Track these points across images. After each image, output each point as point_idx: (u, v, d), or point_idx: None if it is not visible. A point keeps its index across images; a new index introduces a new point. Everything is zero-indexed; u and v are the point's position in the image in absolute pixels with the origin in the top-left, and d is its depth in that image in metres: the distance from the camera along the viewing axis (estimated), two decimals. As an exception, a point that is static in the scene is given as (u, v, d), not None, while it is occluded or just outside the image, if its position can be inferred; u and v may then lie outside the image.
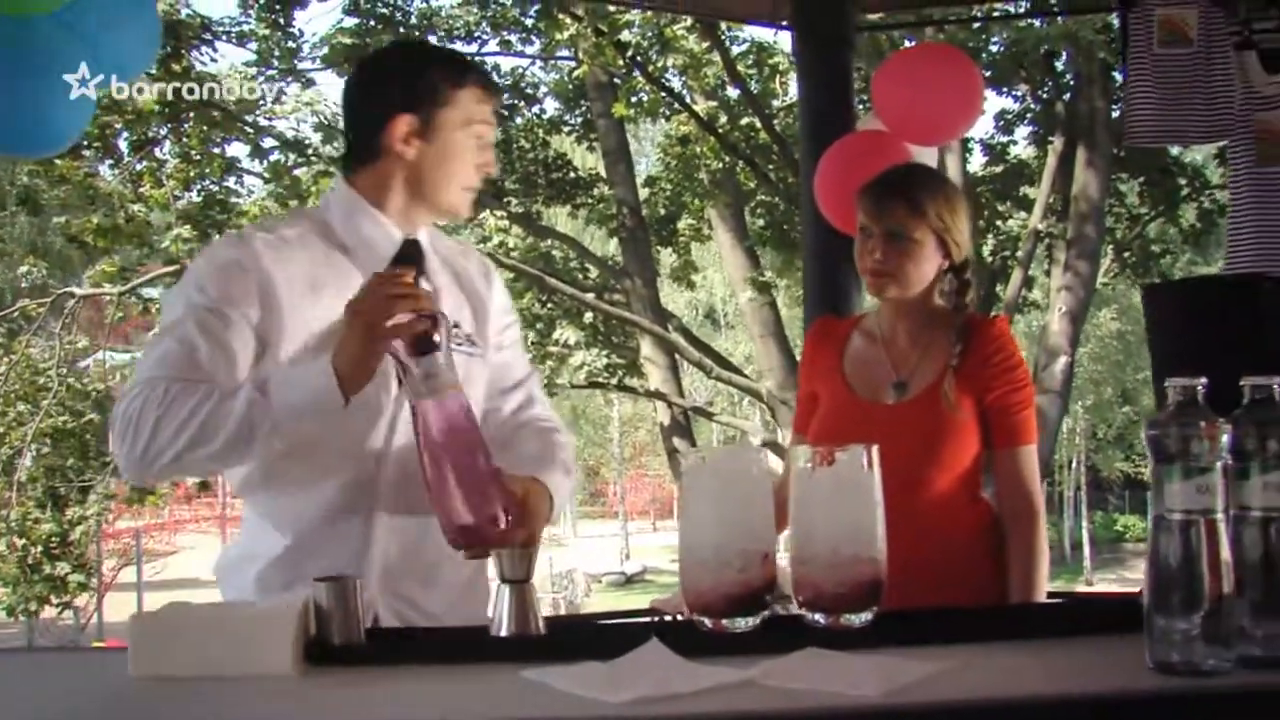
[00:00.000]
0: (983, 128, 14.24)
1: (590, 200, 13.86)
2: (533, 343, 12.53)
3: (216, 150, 12.04)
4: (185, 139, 11.75)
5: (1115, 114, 11.47)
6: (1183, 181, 13.94)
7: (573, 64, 12.54)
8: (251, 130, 12.01)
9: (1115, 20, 4.45)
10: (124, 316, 12.60)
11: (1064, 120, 12.81)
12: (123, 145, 11.78)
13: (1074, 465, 32.48)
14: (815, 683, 1.38)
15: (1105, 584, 27.23)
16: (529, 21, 12.78)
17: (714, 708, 1.34)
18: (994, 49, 12.73)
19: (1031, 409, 2.54)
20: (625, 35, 11.72)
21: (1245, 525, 1.42)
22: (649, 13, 10.85)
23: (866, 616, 1.63)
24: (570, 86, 13.70)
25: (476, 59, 9.54)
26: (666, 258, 14.76)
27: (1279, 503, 1.42)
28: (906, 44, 9.67)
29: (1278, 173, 3.86)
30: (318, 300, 2.00)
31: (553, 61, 13.54)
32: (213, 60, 11.59)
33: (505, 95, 12.38)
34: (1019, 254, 13.13)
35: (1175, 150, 13.41)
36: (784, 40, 13.21)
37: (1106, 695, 1.36)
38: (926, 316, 2.53)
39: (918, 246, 2.47)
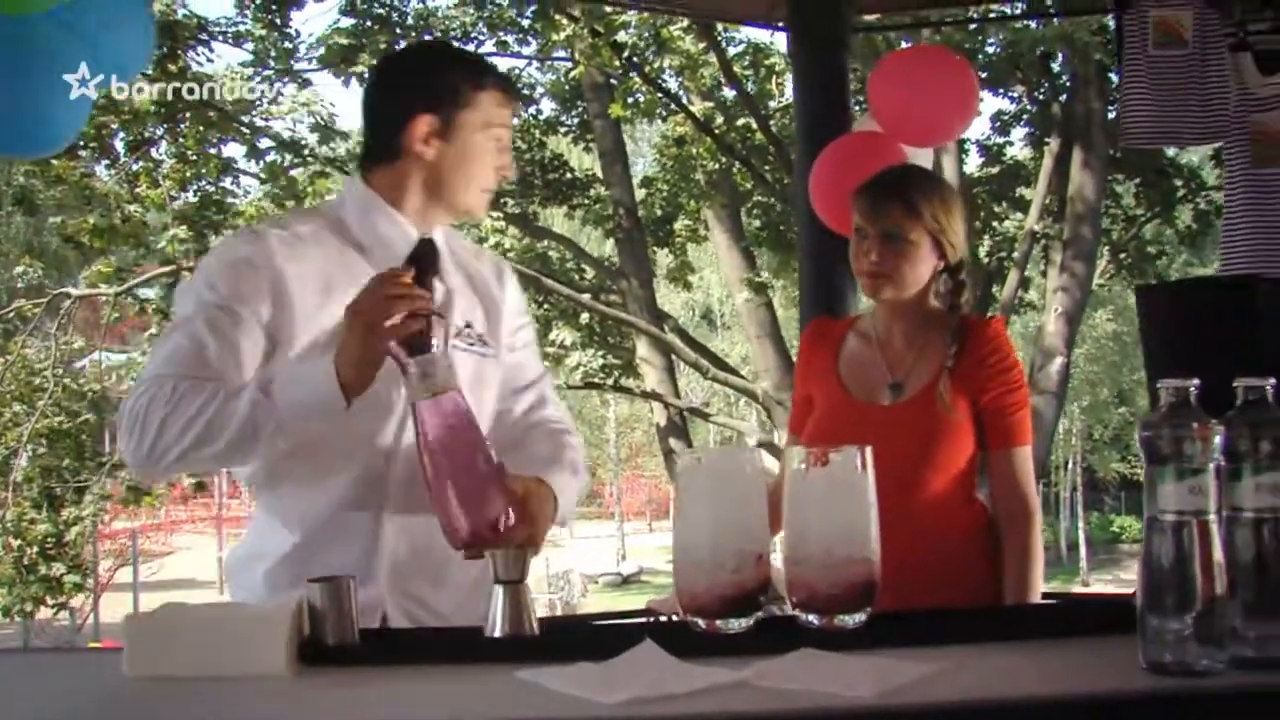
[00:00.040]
0: (979, 129, 14.24)
1: (586, 201, 13.86)
2: (529, 343, 12.49)
3: (213, 151, 12.02)
4: (181, 139, 11.74)
5: (1111, 115, 11.47)
6: (1179, 183, 13.95)
7: (569, 65, 12.54)
8: (248, 131, 12.01)
9: (1111, 22, 4.45)
10: (120, 317, 12.59)
11: (1060, 121, 12.82)
12: (119, 145, 11.76)
13: (1070, 466, 32.52)
14: (809, 683, 1.38)
15: (1101, 585, 27.26)
16: (525, 22, 12.76)
17: (708, 708, 1.34)
18: (990, 50, 12.74)
19: (1027, 410, 2.54)
20: (622, 36, 11.72)
21: (1238, 526, 1.43)
22: (645, 13, 10.85)
23: (860, 617, 1.63)
24: (566, 87, 13.70)
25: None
26: (663, 258, 14.77)
27: (1271, 504, 1.42)
28: (903, 45, 9.67)
29: (1273, 174, 3.86)
30: (330, 298, 1.99)
31: (549, 62, 13.54)
32: (209, 60, 11.60)
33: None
34: (1015, 255, 13.14)
35: (1171, 151, 13.44)
36: (780, 41, 13.21)
37: (1100, 696, 1.37)
38: (922, 318, 2.54)
39: (913, 248, 2.47)
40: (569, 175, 13.95)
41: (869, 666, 1.44)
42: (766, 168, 12.87)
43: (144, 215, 11.72)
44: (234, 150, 12.44)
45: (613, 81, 12.45)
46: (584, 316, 13.13)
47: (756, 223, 13.87)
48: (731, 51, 12.66)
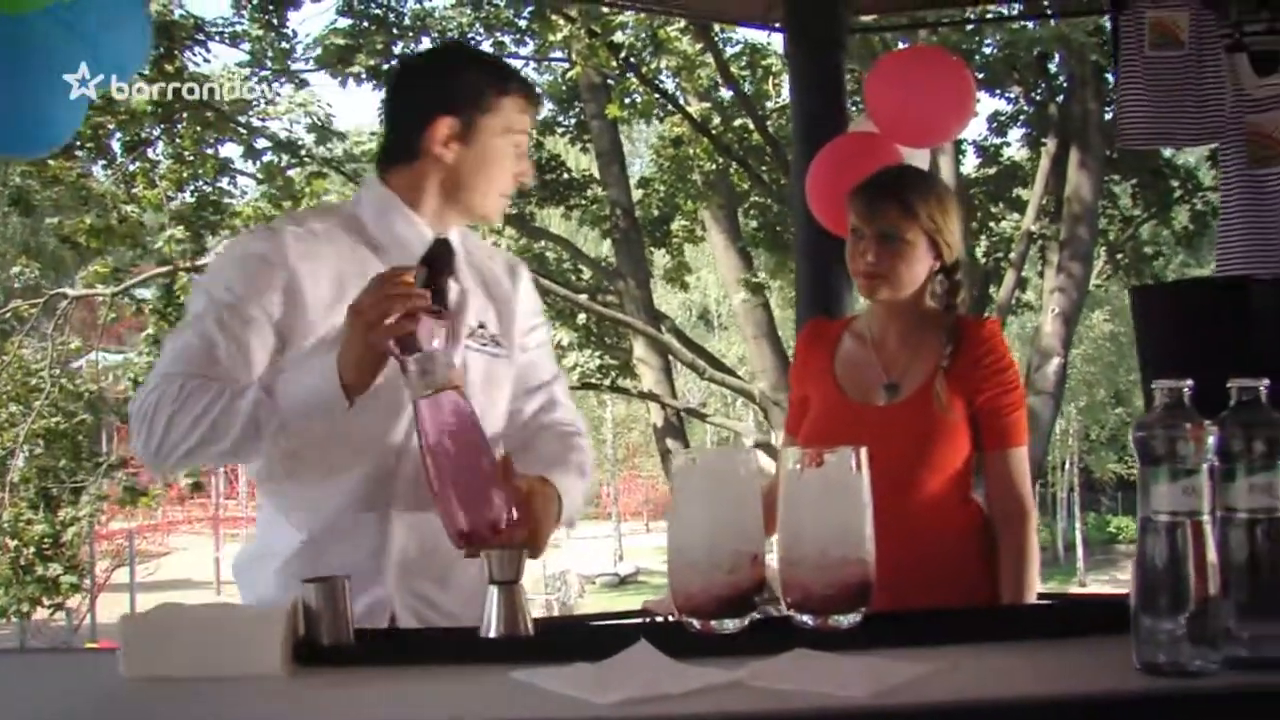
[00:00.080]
0: (976, 129, 14.31)
1: (584, 201, 13.87)
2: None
3: (210, 151, 12.02)
4: (178, 140, 11.74)
5: (1108, 116, 11.48)
6: (1175, 183, 13.97)
7: (566, 65, 12.55)
8: (245, 131, 12.00)
9: (1107, 23, 4.45)
10: (117, 317, 12.60)
11: (1057, 122, 12.83)
12: (116, 146, 11.77)
13: (1067, 467, 32.54)
14: (804, 684, 1.39)
15: (1098, 585, 27.26)
16: (523, 23, 12.77)
17: (702, 709, 1.34)
18: (987, 51, 12.75)
19: (1022, 411, 2.54)
20: (619, 36, 11.72)
21: (1231, 527, 1.43)
22: (642, 14, 10.85)
23: (855, 618, 1.63)
24: (564, 88, 13.70)
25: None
26: (660, 259, 14.77)
27: (1265, 504, 1.42)
28: (900, 46, 9.68)
29: (1268, 175, 3.86)
30: (343, 297, 1.98)
31: (546, 63, 13.54)
32: (206, 61, 11.59)
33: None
34: (1012, 255, 13.15)
35: (1168, 152, 13.44)
36: (777, 42, 13.20)
37: (1094, 696, 1.37)
38: (917, 318, 2.54)
39: (910, 248, 2.48)
40: (566, 176, 13.96)
41: (864, 667, 1.44)
42: (763, 168, 12.88)
43: (141, 215, 11.73)
44: (231, 150, 12.46)
45: (610, 82, 12.45)
46: (581, 317, 13.13)
47: (753, 223, 13.87)
48: (728, 52, 12.67)
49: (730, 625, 1.61)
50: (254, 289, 1.98)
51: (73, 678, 1.69)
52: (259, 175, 12.05)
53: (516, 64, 13.17)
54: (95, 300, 12.39)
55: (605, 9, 10.74)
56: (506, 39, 12.88)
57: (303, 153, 12.27)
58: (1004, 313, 12.78)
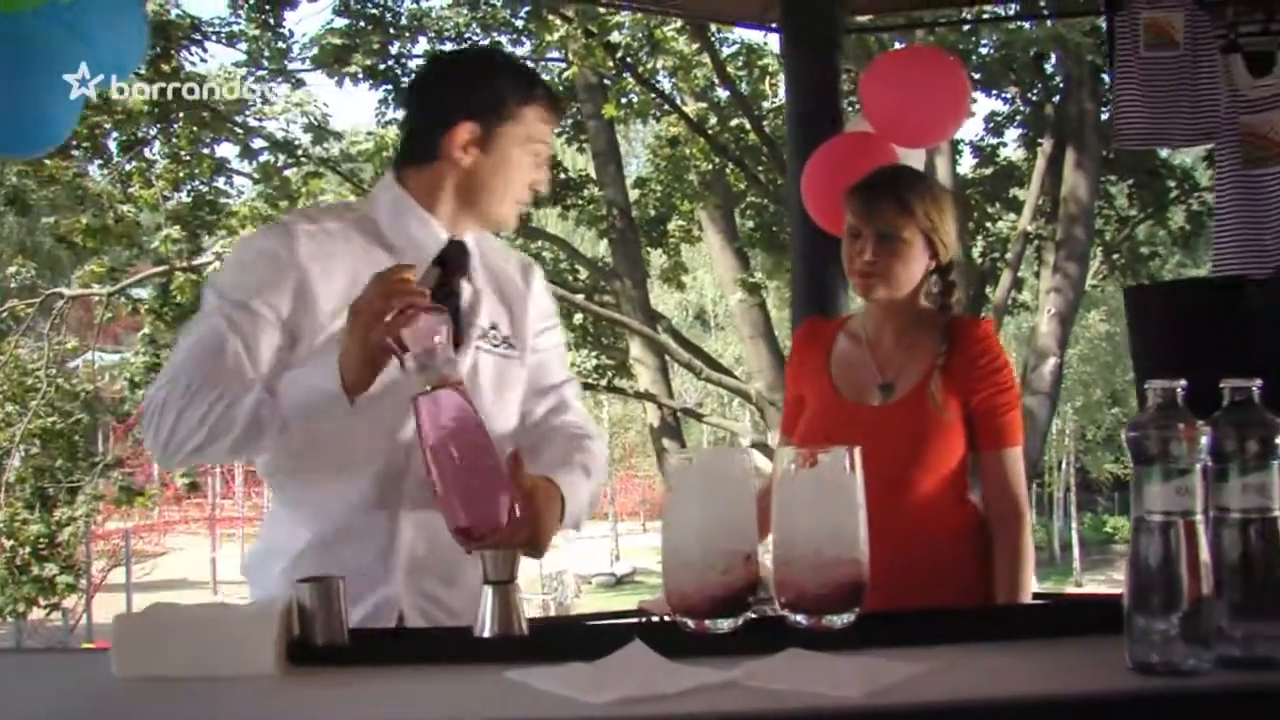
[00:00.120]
0: (972, 130, 14.34)
1: (580, 201, 13.86)
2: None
3: (206, 151, 12.01)
4: (174, 139, 11.73)
5: (1104, 116, 11.49)
6: (1171, 184, 13.98)
7: (563, 65, 12.54)
8: (241, 131, 11.99)
9: (1103, 23, 4.46)
10: (113, 317, 12.60)
11: (1053, 122, 12.83)
12: (112, 145, 11.75)
13: (1063, 467, 32.55)
14: (797, 683, 1.39)
15: (1094, 585, 27.28)
16: (519, 23, 12.77)
17: (696, 708, 1.34)
18: (983, 51, 12.75)
19: (1017, 411, 2.55)
20: (615, 36, 11.72)
21: (1224, 527, 1.43)
22: (639, 14, 10.85)
23: (848, 618, 1.63)
24: (560, 88, 13.68)
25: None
26: (656, 259, 14.75)
27: (1258, 504, 1.42)
28: (896, 46, 9.68)
29: (1263, 175, 3.87)
30: (353, 296, 1.99)
31: (543, 63, 13.52)
32: (202, 61, 11.58)
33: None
34: (1008, 256, 13.15)
35: (1164, 152, 13.45)
36: (773, 42, 13.19)
37: (1087, 696, 1.37)
38: (912, 317, 2.54)
39: (907, 246, 2.48)
40: (563, 176, 13.94)
41: (857, 667, 1.44)
42: (760, 168, 12.87)
43: (137, 215, 11.72)
44: (227, 150, 12.44)
45: (606, 82, 12.45)
46: (577, 317, 13.12)
47: (750, 223, 13.87)
48: (725, 52, 12.66)
49: (724, 625, 1.61)
50: (263, 287, 1.99)
51: (68, 677, 1.69)
52: (255, 175, 12.04)
53: (513, 64, 13.14)
54: (91, 300, 12.41)
55: (602, 9, 10.74)
56: (503, 39, 12.87)
57: (299, 152, 12.26)
58: (1000, 313, 12.78)
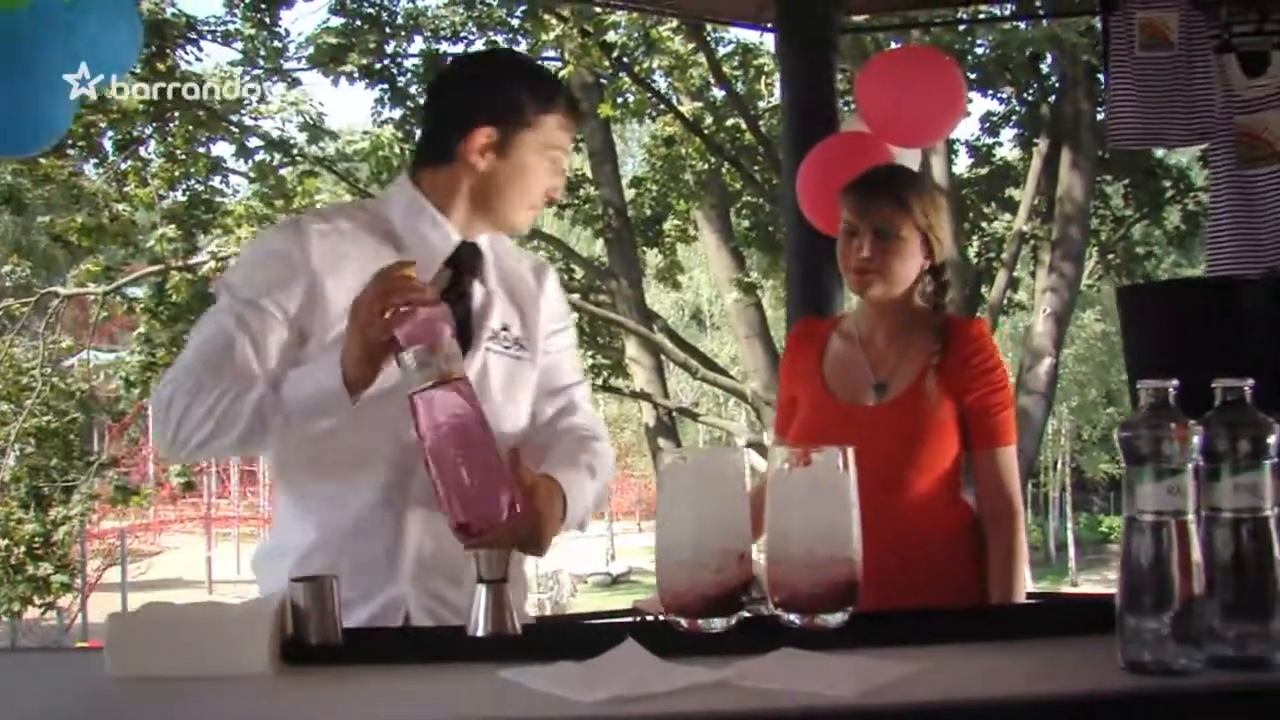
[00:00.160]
0: (968, 130, 14.31)
1: (576, 201, 13.84)
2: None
3: (201, 150, 12.00)
4: (170, 138, 11.72)
5: (1100, 116, 11.49)
6: (1167, 184, 13.99)
7: (559, 64, 12.53)
8: (237, 130, 11.98)
9: (1099, 23, 4.46)
10: (108, 316, 12.57)
11: (1049, 122, 12.85)
12: (107, 144, 11.75)
13: (1059, 466, 32.56)
14: (790, 683, 1.39)
15: (1090, 585, 27.30)
16: (515, 22, 12.76)
17: (689, 708, 1.34)
18: (979, 51, 12.77)
19: (1010, 410, 2.55)
20: (611, 36, 11.72)
21: (1216, 526, 1.43)
22: (635, 13, 10.85)
23: (841, 617, 1.63)
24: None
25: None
26: (652, 258, 14.76)
27: (1249, 504, 1.42)
28: (892, 45, 9.68)
29: (1257, 175, 3.88)
30: None
31: (538, 62, 13.54)
32: (197, 60, 11.57)
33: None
34: (1004, 255, 13.17)
35: (1160, 152, 13.46)
36: (769, 42, 13.20)
37: (1079, 695, 1.37)
38: (906, 317, 2.54)
39: (904, 244, 2.48)
40: (559, 175, 13.92)
41: (850, 666, 1.44)
42: (756, 168, 12.88)
43: (132, 214, 11.71)
44: (223, 149, 12.44)
45: (602, 81, 12.45)
46: (573, 316, 13.09)
47: (746, 223, 13.88)
48: (721, 52, 12.66)
49: (717, 624, 1.62)
50: (271, 284, 2.00)
51: (63, 677, 1.68)
52: (251, 174, 12.02)
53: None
54: (87, 299, 12.40)
55: (598, 8, 10.74)
56: (499, 38, 12.87)
57: (295, 152, 12.25)
58: (996, 313, 12.79)
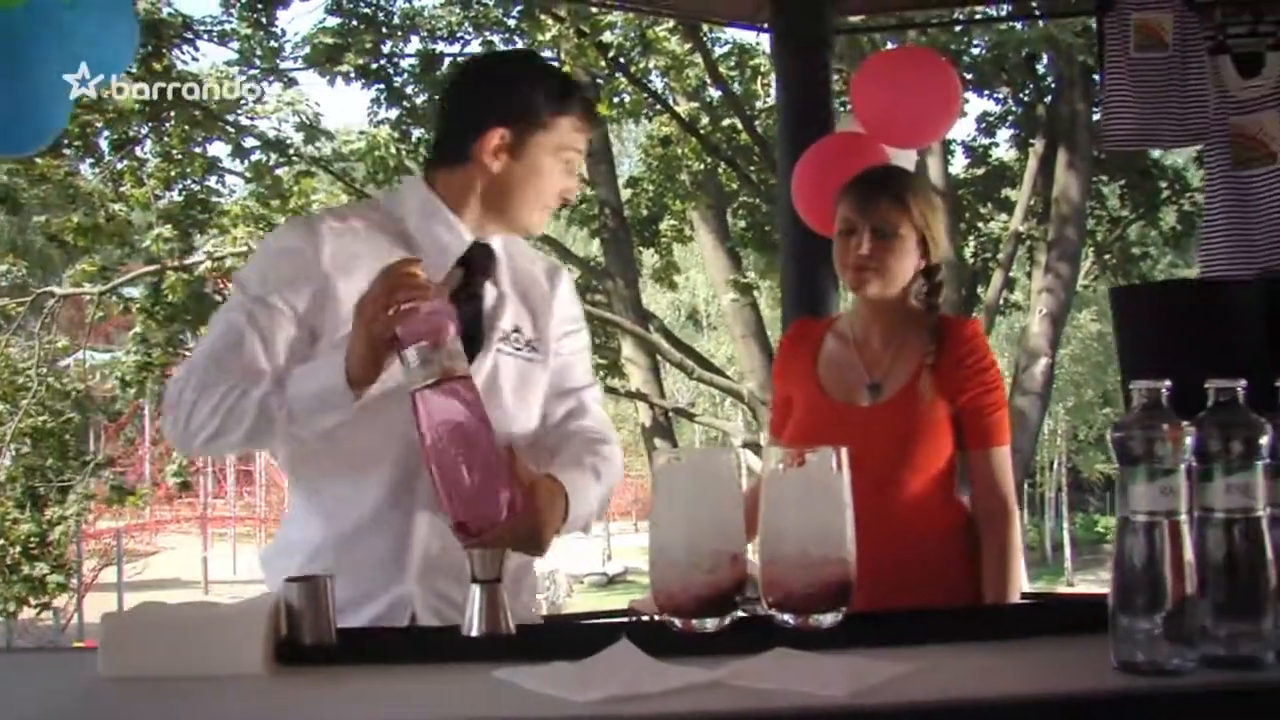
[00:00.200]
0: (964, 130, 14.31)
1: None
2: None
3: (197, 150, 11.99)
4: (166, 138, 11.71)
5: (1096, 117, 11.49)
6: (1163, 184, 14.00)
7: (555, 64, 12.54)
8: (233, 130, 11.97)
9: (1094, 24, 4.47)
10: (104, 316, 12.58)
11: (1045, 123, 12.86)
12: (103, 144, 11.74)
13: (1055, 467, 32.59)
14: (784, 683, 1.39)
15: (1086, 585, 27.31)
16: (511, 22, 12.75)
17: (682, 708, 1.34)
18: (975, 52, 12.77)
19: (1004, 410, 2.55)
20: (607, 36, 11.72)
21: (1209, 527, 1.43)
22: (631, 14, 10.85)
23: (835, 617, 1.63)
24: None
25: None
26: (648, 258, 14.75)
27: (1241, 504, 1.43)
28: (889, 46, 9.69)
29: (1252, 176, 3.89)
30: None
31: (535, 62, 13.51)
32: (194, 59, 11.56)
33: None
34: (1000, 256, 13.18)
35: (1155, 153, 13.47)
36: (765, 42, 13.16)
37: (1072, 695, 1.37)
38: (901, 318, 2.55)
39: (902, 242, 2.49)
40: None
41: (844, 666, 1.44)
42: (752, 168, 12.88)
43: (128, 214, 11.71)
44: (219, 149, 12.43)
45: (598, 81, 12.44)
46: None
47: (742, 223, 13.87)
48: (717, 52, 12.67)
49: (711, 624, 1.62)
50: (282, 282, 2.01)
51: (58, 677, 1.68)
52: (247, 174, 12.01)
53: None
54: (82, 299, 12.40)
55: (594, 9, 10.75)
56: (495, 38, 12.86)
57: (291, 151, 12.24)
58: (992, 313, 12.81)
